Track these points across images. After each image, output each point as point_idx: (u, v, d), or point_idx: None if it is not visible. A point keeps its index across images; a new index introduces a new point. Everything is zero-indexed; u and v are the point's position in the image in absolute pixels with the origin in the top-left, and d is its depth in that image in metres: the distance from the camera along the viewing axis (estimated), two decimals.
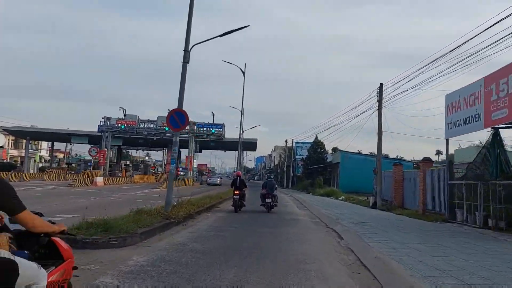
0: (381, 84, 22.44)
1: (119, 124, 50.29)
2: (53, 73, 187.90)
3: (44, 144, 77.02)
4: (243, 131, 48.47)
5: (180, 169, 57.98)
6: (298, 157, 62.62)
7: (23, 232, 2.63)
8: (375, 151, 23.50)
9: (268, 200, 16.70)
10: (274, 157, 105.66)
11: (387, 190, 22.59)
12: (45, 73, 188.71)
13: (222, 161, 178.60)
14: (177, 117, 12.24)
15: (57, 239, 2.85)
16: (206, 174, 71.45)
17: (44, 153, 77.96)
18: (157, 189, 34.23)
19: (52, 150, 71.43)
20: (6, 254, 2.28)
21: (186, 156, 56.39)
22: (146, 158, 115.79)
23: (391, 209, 19.36)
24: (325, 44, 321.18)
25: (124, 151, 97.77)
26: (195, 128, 52.35)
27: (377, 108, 22.43)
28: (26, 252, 2.53)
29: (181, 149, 71.65)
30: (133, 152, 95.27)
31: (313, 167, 51.57)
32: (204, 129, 52.42)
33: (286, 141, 68.12)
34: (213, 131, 51.73)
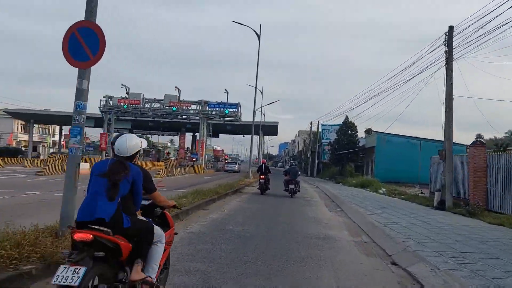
0: (451, 27, 15.32)
1: (121, 103, 44.70)
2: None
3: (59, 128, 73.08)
4: (259, 109, 41.96)
5: (192, 155, 52.39)
6: (325, 141, 55.31)
7: (144, 206, 3.85)
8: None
9: (291, 186, 17.62)
10: (298, 142, 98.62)
11: (457, 183, 15.77)
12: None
13: (246, 148, 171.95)
14: (83, 38, 5.83)
15: (166, 212, 4.10)
16: (223, 160, 65.43)
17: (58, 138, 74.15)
18: (153, 178, 28.64)
19: (60, 134, 67.26)
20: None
21: (197, 140, 50.41)
22: (169, 144, 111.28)
23: (473, 213, 12.56)
24: (354, 30, 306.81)
25: (143, 136, 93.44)
26: (207, 109, 46.15)
27: (444, 62, 15.33)
28: (150, 219, 3.72)
29: (196, 134, 66.09)
30: (154, 138, 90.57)
31: (343, 152, 44.29)
32: (217, 109, 46.04)
33: (310, 123, 59.81)
34: (226, 111, 45.29)
